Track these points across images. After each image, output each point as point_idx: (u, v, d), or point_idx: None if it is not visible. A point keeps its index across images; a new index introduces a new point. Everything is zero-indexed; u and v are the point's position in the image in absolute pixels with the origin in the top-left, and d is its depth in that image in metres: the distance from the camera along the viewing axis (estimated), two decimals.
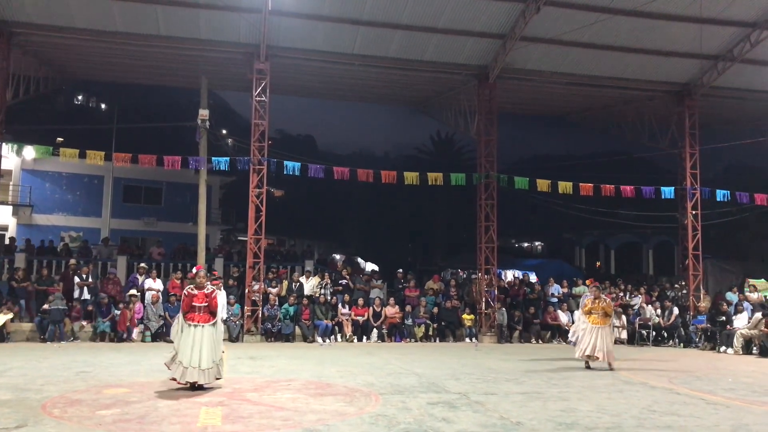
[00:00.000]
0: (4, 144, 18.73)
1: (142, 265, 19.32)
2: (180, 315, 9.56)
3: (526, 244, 53.36)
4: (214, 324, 9.40)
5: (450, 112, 22.87)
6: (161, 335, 17.18)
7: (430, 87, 22.25)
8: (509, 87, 21.09)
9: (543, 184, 20.26)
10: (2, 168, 19.83)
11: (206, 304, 9.35)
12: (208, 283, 9.75)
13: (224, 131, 35.98)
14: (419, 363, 13.71)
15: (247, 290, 18.38)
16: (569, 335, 16.27)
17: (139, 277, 18.62)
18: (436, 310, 19.64)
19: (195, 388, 9.14)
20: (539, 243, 52.18)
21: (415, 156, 52.35)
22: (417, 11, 18.00)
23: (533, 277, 24.78)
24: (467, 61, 19.93)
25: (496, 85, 20.33)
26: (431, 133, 51.52)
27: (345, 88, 23.44)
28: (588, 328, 12.77)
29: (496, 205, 20.21)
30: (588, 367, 12.73)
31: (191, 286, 9.66)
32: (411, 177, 19.82)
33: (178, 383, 9.16)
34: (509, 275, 26.61)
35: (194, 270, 10.27)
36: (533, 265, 31.97)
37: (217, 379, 9.38)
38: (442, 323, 19.43)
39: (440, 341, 19.05)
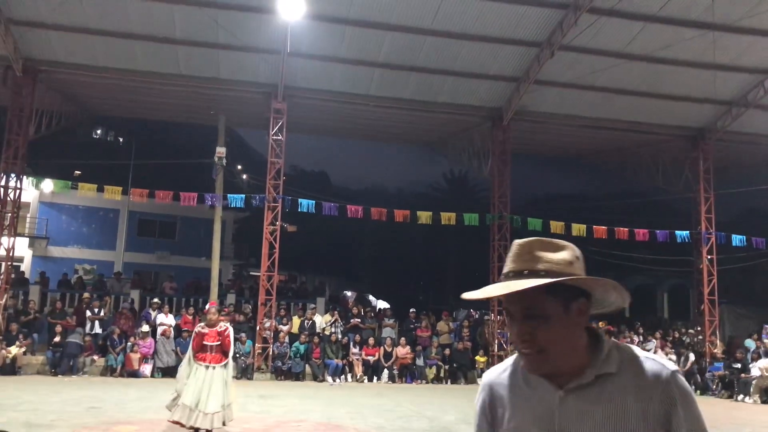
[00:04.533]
0: (24, 177, 19.04)
1: (155, 300, 19.39)
2: (189, 354, 8.94)
3: None
4: (225, 365, 8.81)
5: (464, 152, 23.03)
6: (172, 371, 17.11)
7: (444, 128, 22.48)
8: (523, 129, 21.24)
9: (556, 226, 20.23)
10: (21, 200, 20.12)
11: (218, 342, 8.76)
12: (221, 320, 9.26)
13: (239, 167, 36.36)
14: (430, 406, 13.56)
15: (258, 327, 18.35)
16: None
17: (152, 312, 18.67)
18: (447, 351, 19.46)
19: None
20: None
21: (428, 194, 52.47)
22: (433, 54, 18.30)
23: None
24: (482, 103, 20.16)
25: (510, 127, 20.50)
26: (444, 171, 51.77)
27: (360, 128, 23.73)
28: None
29: (510, 246, 20.07)
30: None
31: (202, 324, 9.08)
32: (424, 216, 19.90)
33: (182, 426, 8.52)
34: None
35: (207, 306, 9.92)
36: None
37: (225, 424, 8.67)
38: (454, 365, 19.23)
39: (452, 383, 18.83)
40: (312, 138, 39.07)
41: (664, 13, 16.45)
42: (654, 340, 20.46)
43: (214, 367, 8.68)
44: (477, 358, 19.48)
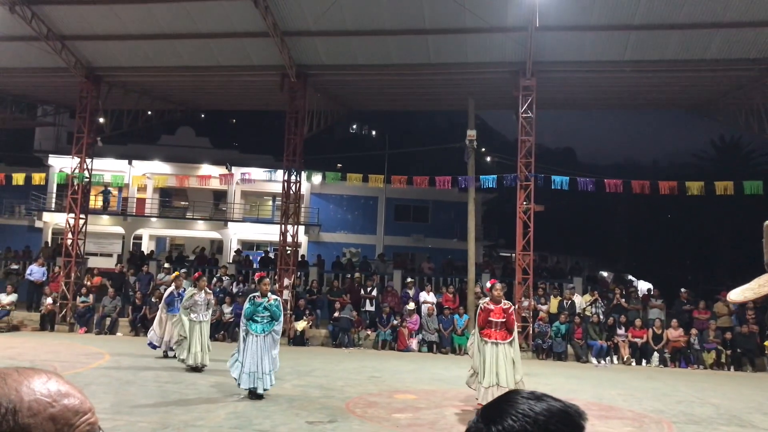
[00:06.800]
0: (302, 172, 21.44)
1: (409, 279, 20.62)
2: (476, 331, 9.10)
3: None
4: (511, 342, 8.82)
5: (739, 113, 20.40)
6: (437, 346, 18.03)
7: (712, 87, 20.13)
8: None
9: None
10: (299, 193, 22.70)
11: (504, 320, 8.81)
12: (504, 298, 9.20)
13: (482, 149, 36.79)
14: (713, 392, 12.40)
15: (516, 306, 18.39)
16: None
17: (408, 290, 19.81)
18: (728, 335, 17.53)
19: None
20: None
21: (693, 163, 47.61)
22: (697, 7, 16.44)
23: None
24: (762, 54, 17.60)
25: None
26: (711, 137, 46.50)
27: (613, 97, 22.38)
28: None
29: None
30: None
31: (486, 300, 9.15)
32: (695, 187, 18.08)
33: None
34: None
35: (488, 284, 10.10)
36: None
37: None
38: (738, 350, 17.26)
39: (735, 370, 16.95)
40: (555, 114, 37.94)
41: None
42: None
43: (498, 344, 8.71)
44: (766, 343, 17.24)
